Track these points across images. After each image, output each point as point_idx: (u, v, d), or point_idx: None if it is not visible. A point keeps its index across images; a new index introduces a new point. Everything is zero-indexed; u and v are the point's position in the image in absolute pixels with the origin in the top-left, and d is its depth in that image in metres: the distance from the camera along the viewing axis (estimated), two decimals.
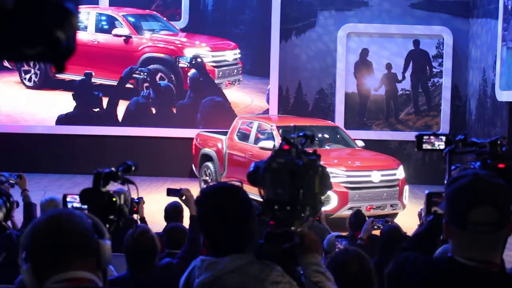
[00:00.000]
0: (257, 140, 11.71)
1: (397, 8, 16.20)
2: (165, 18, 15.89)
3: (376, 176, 10.50)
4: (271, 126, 11.77)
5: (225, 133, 12.96)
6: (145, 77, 15.51)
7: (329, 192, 9.77)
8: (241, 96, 16.01)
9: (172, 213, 6.34)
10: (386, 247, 5.23)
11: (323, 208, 9.67)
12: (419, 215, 6.45)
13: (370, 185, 10.45)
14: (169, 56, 15.58)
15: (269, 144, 10.65)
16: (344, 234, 6.14)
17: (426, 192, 2.87)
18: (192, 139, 13.92)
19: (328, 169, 9.60)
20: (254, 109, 15.78)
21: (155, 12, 15.91)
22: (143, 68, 15.47)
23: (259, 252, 2.27)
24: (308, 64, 16.32)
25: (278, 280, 2.20)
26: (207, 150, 12.94)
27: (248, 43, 15.86)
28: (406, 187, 10.96)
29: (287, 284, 2.21)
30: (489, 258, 2.00)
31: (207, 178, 12.73)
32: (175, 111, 15.80)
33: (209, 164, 12.73)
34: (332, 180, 11.49)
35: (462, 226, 1.98)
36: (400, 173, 10.88)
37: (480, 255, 2.00)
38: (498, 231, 1.98)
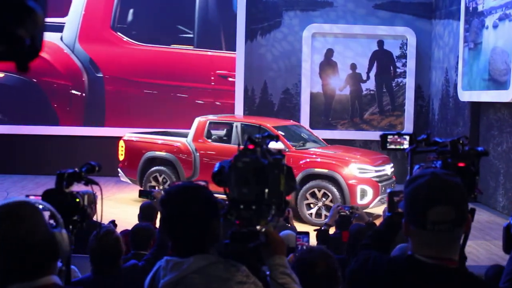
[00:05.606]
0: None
1: (361, 8, 16.34)
2: None
3: (388, 169, 11.59)
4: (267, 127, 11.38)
5: (162, 134, 13.13)
6: None
7: (365, 187, 10.76)
8: None
9: (147, 211, 6.31)
10: (354, 246, 5.24)
11: (360, 202, 10.50)
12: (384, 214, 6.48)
13: (386, 177, 11.46)
14: None
15: (278, 145, 10.47)
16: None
17: (388, 190, 2.90)
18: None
19: (359, 166, 10.08)
20: None
21: None
22: None
23: (224, 252, 2.26)
24: (274, 64, 16.36)
25: (243, 280, 2.19)
26: (159, 153, 12.35)
27: None
28: None
29: (252, 285, 2.19)
30: (448, 255, 2.03)
31: (159, 184, 12.13)
32: None
33: (163, 168, 12.20)
34: (364, 175, 12.19)
35: (421, 225, 2.01)
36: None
37: (439, 253, 2.02)
38: (455, 228, 2.01)
